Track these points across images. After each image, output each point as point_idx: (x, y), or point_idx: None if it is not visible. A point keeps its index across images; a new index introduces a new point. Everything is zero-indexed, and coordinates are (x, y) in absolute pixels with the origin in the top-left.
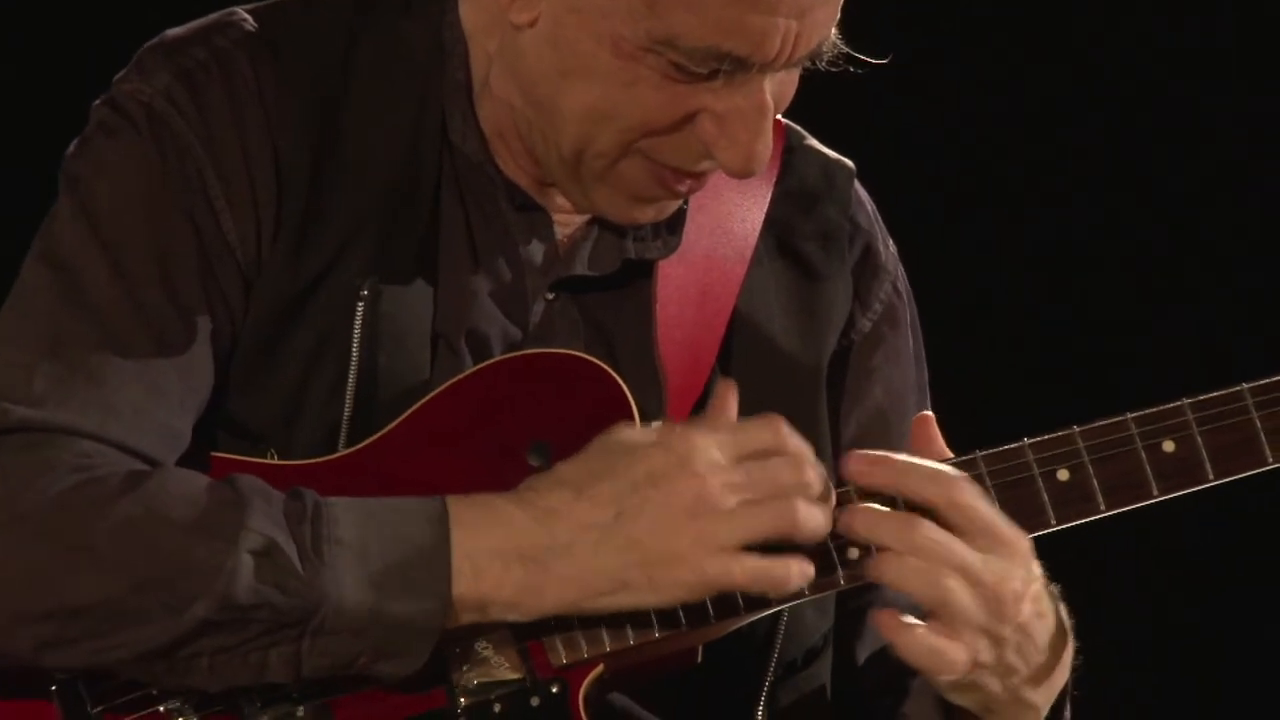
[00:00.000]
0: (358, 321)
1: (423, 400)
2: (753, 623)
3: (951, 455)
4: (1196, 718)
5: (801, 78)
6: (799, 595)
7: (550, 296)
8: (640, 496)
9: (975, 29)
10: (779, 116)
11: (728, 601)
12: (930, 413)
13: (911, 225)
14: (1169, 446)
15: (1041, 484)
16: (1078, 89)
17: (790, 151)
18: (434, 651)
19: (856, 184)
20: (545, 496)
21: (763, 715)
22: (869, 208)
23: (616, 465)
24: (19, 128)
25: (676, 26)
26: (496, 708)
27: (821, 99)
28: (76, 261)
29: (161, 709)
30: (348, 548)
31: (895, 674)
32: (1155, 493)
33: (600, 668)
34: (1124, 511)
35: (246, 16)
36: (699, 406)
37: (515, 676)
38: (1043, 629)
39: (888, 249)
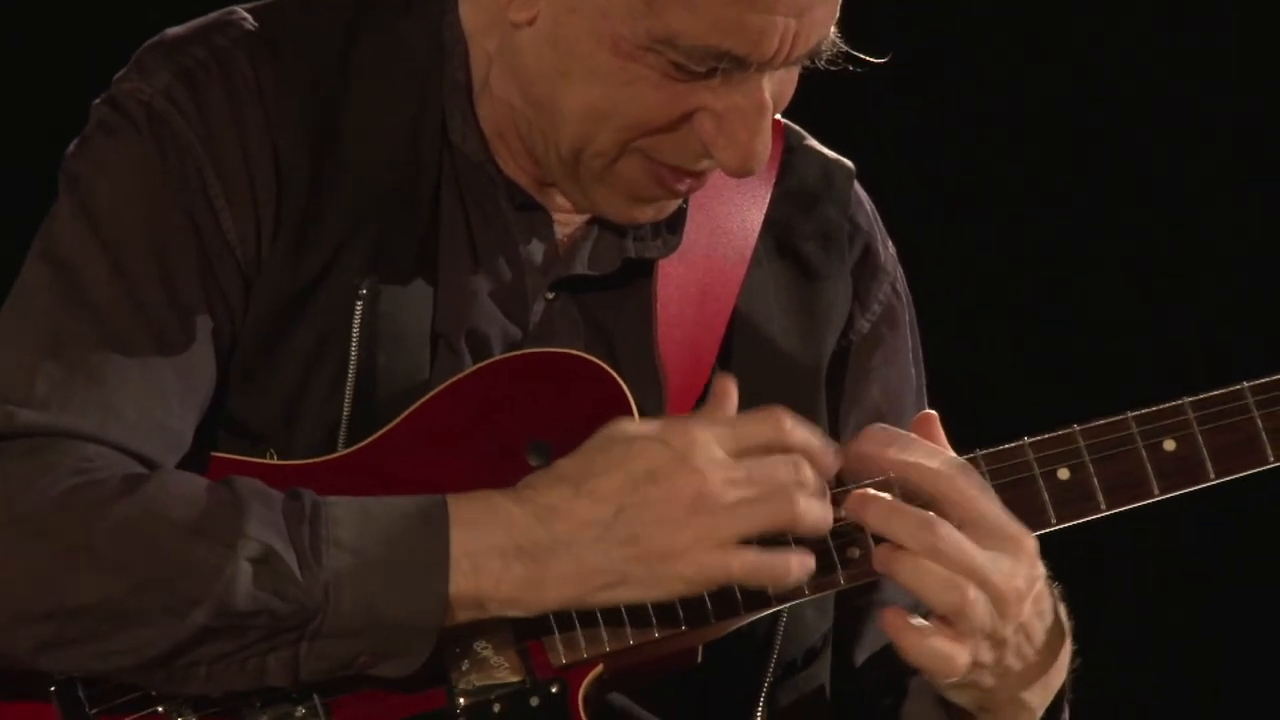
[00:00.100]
0: (357, 321)
1: (422, 400)
2: (752, 623)
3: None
4: (1196, 718)
5: (801, 77)
6: (799, 594)
7: (550, 296)
8: (640, 492)
9: (975, 29)
10: (778, 116)
11: (727, 601)
12: (933, 412)
13: (911, 225)
14: (1170, 445)
15: (1042, 483)
16: (1078, 89)
17: (790, 151)
18: (433, 651)
19: (856, 184)
20: (544, 493)
21: (762, 715)
22: (868, 208)
23: (616, 461)
24: (19, 128)
25: (675, 25)
26: (496, 708)
27: (821, 99)
28: (76, 261)
29: (160, 709)
30: (346, 549)
31: (895, 673)
32: (1156, 492)
33: (600, 668)
34: (1124, 511)
35: (246, 16)
36: (699, 406)
37: (515, 677)
38: (1041, 629)
39: (887, 249)
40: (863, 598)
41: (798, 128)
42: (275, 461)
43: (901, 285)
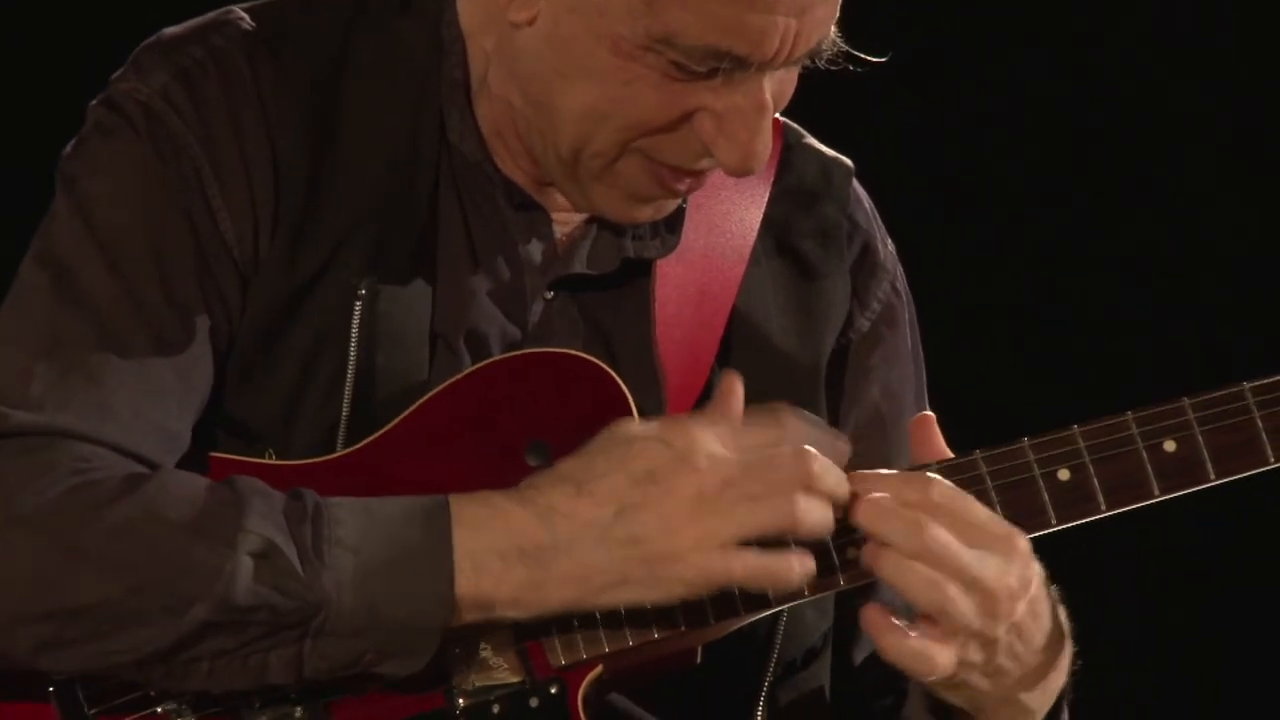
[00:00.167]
0: (355, 320)
1: (421, 400)
2: (752, 623)
3: (951, 455)
4: (1196, 718)
5: (801, 77)
6: (799, 595)
7: (549, 296)
8: (641, 493)
9: (975, 29)
10: (778, 115)
11: (727, 602)
12: (930, 413)
13: (911, 225)
14: (1170, 446)
15: (1042, 484)
16: (1078, 89)
17: (789, 150)
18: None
19: (855, 182)
20: (546, 494)
21: (762, 715)
22: (867, 206)
23: (616, 461)
24: (19, 128)
25: (675, 25)
26: (495, 709)
27: (821, 98)
28: (74, 261)
29: (159, 710)
30: (348, 548)
31: (895, 674)
32: (1156, 492)
33: (599, 669)
34: (1124, 511)
35: (244, 15)
36: (698, 406)
37: (514, 678)
38: (1037, 630)
39: (886, 248)
40: (863, 598)
41: (796, 126)
42: (274, 461)
43: (901, 284)
